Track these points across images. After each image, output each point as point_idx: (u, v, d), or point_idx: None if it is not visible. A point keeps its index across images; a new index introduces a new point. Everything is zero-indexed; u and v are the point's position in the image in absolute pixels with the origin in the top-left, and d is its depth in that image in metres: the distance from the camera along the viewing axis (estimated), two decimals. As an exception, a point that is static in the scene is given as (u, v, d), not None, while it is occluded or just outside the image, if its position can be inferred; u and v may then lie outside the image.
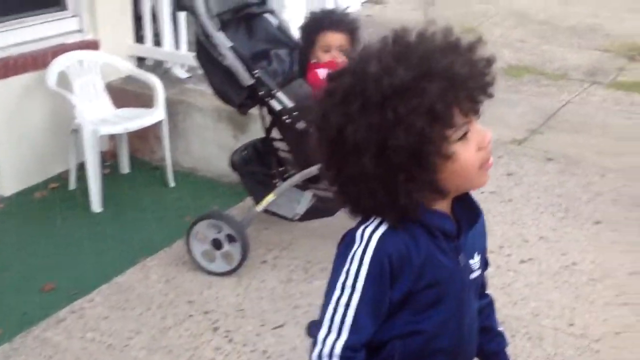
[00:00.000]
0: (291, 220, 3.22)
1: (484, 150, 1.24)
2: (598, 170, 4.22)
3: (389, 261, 1.22)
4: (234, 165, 3.26)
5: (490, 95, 1.23)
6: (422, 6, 7.19)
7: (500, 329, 1.56)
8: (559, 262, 3.33)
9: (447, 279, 1.30)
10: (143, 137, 4.34)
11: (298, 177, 3.08)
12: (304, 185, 3.20)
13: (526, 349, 2.76)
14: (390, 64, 1.18)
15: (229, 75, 2.98)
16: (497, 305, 2.95)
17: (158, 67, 4.63)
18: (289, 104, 2.98)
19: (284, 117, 2.99)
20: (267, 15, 3.33)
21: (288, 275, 3.18)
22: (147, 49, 4.64)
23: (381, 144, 1.17)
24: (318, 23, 3.04)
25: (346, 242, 1.27)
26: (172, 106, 4.18)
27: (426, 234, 1.26)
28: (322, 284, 3.10)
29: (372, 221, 1.25)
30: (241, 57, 2.97)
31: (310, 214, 3.21)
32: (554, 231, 3.60)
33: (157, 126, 4.07)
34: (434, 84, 1.15)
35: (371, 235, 1.24)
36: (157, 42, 4.63)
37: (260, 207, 3.13)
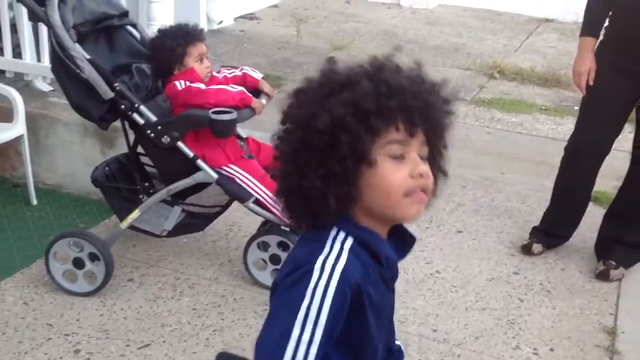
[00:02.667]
0: (159, 236, 3.15)
1: (415, 180, 1.23)
2: (460, 182, 4.42)
3: (350, 293, 1.19)
4: (95, 182, 3.14)
5: (434, 124, 1.26)
6: (294, 23, 7.30)
7: (398, 342, 1.55)
8: (423, 271, 3.45)
9: (386, 310, 1.33)
10: (3, 153, 4.11)
11: (164, 193, 3.02)
12: (172, 201, 3.14)
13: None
14: (342, 69, 1.26)
15: (87, 88, 2.89)
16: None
17: (19, 80, 4.42)
18: (153, 118, 2.92)
19: (148, 132, 2.92)
20: (129, 28, 3.26)
21: (155, 293, 3.10)
22: (6, 61, 4.41)
23: (308, 126, 1.20)
24: (190, 35, 3.01)
25: (300, 274, 1.20)
26: (34, 120, 3.99)
27: (374, 261, 1.25)
28: (191, 300, 3.10)
29: (330, 251, 1.22)
30: (100, 70, 2.88)
31: (179, 230, 3.15)
32: (419, 241, 3.72)
33: (17, 141, 3.87)
34: (370, 83, 1.21)
35: (334, 267, 1.19)
36: (18, 53, 4.41)
37: (125, 224, 3.04)
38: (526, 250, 3.65)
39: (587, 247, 3.66)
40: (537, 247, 3.64)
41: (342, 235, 1.24)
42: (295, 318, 1.17)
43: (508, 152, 4.93)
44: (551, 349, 2.94)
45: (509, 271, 3.50)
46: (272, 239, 3.12)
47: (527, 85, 6.39)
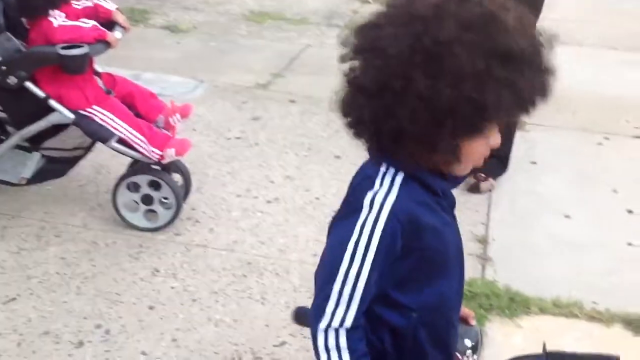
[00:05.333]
0: (18, 185, 2.94)
1: (487, 149, 1.24)
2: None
3: (401, 229, 1.19)
4: (-61, 132, 2.89)
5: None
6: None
7: None
8: (303, 199, 3.43)
9: (451, 237, 1.31)
10: None
11: (17, 138, 2.81)
12: (30, 147, 2.93)
13: (274, 284, 2.81)
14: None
15: None
16: (246, 247, 3.04)
17: None
18: (-5, 57, 2.68)
19: (-8, 73, 2.68)
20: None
21: (19, 245, 2.92)
22: None
23: (460, 75, 1.11)
24: None
25: (349, 210, 1.22)
26: None
27: (429, 194, 1.24)
28: (58, 249, 2.94)
29: (381, 184, 1.20)
30: None
31: (40, 176, 2.96)
32: (298, 169, 3.69)
33: None
34: (532, 72, 1.15)
35: (383, 203, 1.19)
36: None
37: (-23, 175, 2.82)
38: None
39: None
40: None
41: (392, 170, 1.22)
42: (344, 253, 1.19)
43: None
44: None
45: (387, 192, 3.53)
46: (142, 179, 2.99)
47: (400, 9, 6.37)
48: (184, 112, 3.07)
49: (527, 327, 2.64)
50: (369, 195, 1.20)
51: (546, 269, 2.97)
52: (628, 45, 5.57)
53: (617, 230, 3.27)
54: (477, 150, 1.22)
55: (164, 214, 3.03)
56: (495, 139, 1.24)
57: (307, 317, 1.34)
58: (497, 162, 3.55)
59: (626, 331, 2.66)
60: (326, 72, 4.95)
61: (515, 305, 2.73)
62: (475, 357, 1.52)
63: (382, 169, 1.23)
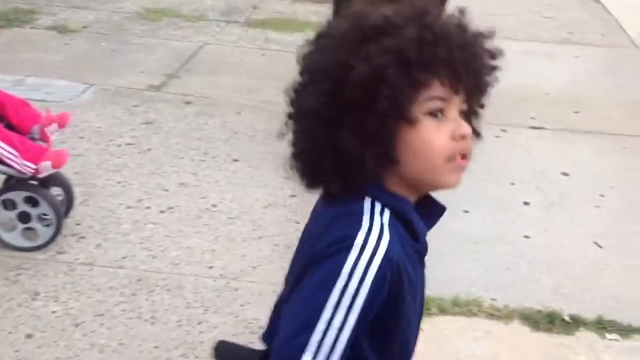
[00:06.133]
0: None
1: (457, 143, 1.08)
2: (235, 108, 4.25)
3: (390, 276, 1.05)
4: None
5: (479, 79, 1.10)
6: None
7: None
8: (198, 206, 3.28)
9: (420, 289, 1.17)
10: None
11: None
12: None
13: (165, 301, 2.66)
14: (377, 11, 1.09)
15: None
16: (136, 262, 2.87)
17: None
18: None
19: None
20: None
21: None
22: None
23: (340, 78, 1.05)
24: None
25: (337, 248, 1.05)
26: None
27: (408, 235, 1.10)
28: None
29: (371, 223, 1.06)
30: None
31: None
32: (194, 175, 3.54)
33: None
34: (414, 30, 1.05)
35: (377, 246, 1.04)
36: None
37: None
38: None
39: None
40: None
41: (378, 206, 1.08)
42: (329, 298, 1.03)
43: (283, 74, 4.81)
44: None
45: (286, 195, 3.43)
46: (17, 195, 2.78)
47: (302, 3, 6.29)
48: (62, 122, 2.87)
49: (427, 330, 2.58)
50: (361, 234, 1.05)
51: (446, 267, 2.94)
52: (526, 35, 5.67)
53: (514, 223, 3.28)
54: (427, 142, 1.07)
55: (43, 232, 2.83)
56: (456, 124, 1.08)
57: (235, 357, 1.20)
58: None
59: (524, 327, 2.66)
60: (224, 70, 4.82)
61: (414, 307, 2.67)
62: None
63: (367, 204, 1.09)
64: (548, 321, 2.66)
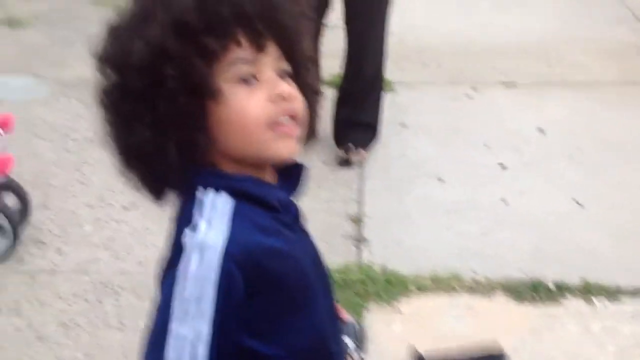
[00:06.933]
0: None
1: (276, 105, 0.96)
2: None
3: (240, 270, 0.92)
4: None
5: (286, 31, 0.98)
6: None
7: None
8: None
9: (305, 257, 1.05)
10: None
11: None
12: None
13: (133, 305, 2.55)
14: None
15: None
16: (100, 266, 2.74)
17: None
18: None
19: None
20: None
21: None
22: None
23: (123, 65, 0.95)
24: None
25: (170, 256, 0.96)
26: None
27: (262, 210, 0.99)
28: None
29: (201, 214, 0.95)
30: None
31: None
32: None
33: None
34: None
35: (206, 241, 0.93)
36: None
37: None
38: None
39: (328, 135, 3.53)
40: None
41: (211, 193, 0.97)
42: (171, 310, 0.92)
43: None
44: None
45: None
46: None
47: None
48: (4, 125, 2.72)
49: (406, 311, 2.50)
50: (190, 234, 0.94)
51: (423, 242, 2.84)
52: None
53: (491, 187, 3.17)
54: (239, 111, 0.96)
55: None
56: (270, 84, 0.97)
57: None
58: (366, 130, 3.37)
59: (508, 299, 2.56)
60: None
61: (392, 287, 2.57)
62: (362, 354, 1.31)
63: (198, 195, 0.98)
64: (532, 290, 2.57)
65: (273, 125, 0.97)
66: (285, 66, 1.00)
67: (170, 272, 0.95)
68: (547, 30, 4.71)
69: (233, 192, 0.98)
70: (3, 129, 2.69)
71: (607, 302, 2.51)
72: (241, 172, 1.00)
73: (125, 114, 0.98)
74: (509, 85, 4.01)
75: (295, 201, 1.08)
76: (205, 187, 0.98)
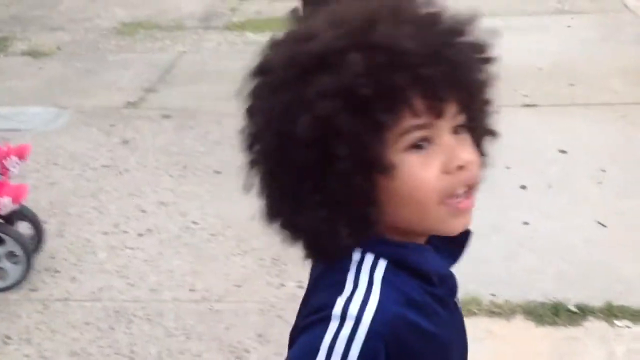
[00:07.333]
0: None
1: (453, 176, 0.84)
2: (215, 118, 4.09)
3: (385, 347, 0.82)
4: None
5: (468, 87, 0.84)
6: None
7: None
8: (178, 225, 3.13)
9: (451, 337, 0.93)
10: None
11: None
12: None
13: (145, 332, 2.52)
14: (319, 28, 0.83)
15: None
16: (113, 293, 2.72)
17: None
18: None
19: None
20: None
21: None
22: None
23: (284, 133, 0.82)
24: None
25: (312, 321, 0.84)
26: None
27: (418, 282, 0.88)
28: None
29: (355, 284, 0.84)
30: None
31: None
32: (173, 193, 3.39)
33: None
34: (359, 54, 0.79)
35: (361, 313, 0.82)
36: None
37: None
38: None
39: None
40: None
41: (369, 259, 0.86)
42: None
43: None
44: (317, 278, 2.76)
45: (271, 203, 3.27)
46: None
47: (281, 1, 6.11)
48: (21, 153, 2.73)
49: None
50: (340, 301, 0.84)
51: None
52: (511, 10, 5.47)
53: (512, 209, 3.10)
54: (413, 186, 0.84)
55: (13, 270, 2.69)
56: (449, 153, 0.84)
57: None
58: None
59: (527, 322, 2.48)
60: (204, 79, 4.67)
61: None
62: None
63: (354, 258, 0.87)
64: (553, 313, 2.48)
65: (448, 198, 0.85)
66: (462, 120, 0.87)
67: (307, 337, 0.85)
68: (567, 51, 4.65)
69: (391, 260, 0.88)
70: (20, 159, 2.70)
71: (630, 324, 2.41)
72: (403, 238, 0.89)
73: (284, 186, 0.86)
74: (531, 106, 3.95)
75: (454, 273, 0.96)
76: (365, 250, 0.87)
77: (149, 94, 4.43)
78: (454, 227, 0.88)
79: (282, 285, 2.73)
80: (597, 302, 2.51)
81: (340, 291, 0.84)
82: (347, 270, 0.86)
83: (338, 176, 0.82)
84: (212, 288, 2.73)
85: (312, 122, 0.81)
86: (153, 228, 3.12)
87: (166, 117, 4.12)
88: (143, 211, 3.25)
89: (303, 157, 0.83)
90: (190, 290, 2.73)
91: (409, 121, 0.82)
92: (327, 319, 0.83)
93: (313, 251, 0.90)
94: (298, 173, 0.84)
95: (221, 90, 4.48)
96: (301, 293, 2.85)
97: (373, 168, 0.82)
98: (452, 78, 0.82)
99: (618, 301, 2.50)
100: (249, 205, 3.35)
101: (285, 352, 2.46)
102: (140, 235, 3.07)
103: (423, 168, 0.83)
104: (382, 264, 0.86)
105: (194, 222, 3.15)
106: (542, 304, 2.52)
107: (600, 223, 2.95)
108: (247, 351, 2.41)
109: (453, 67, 0.82)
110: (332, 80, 0.80)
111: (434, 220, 0.87)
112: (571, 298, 2.54)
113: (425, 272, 0.88)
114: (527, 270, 2.73)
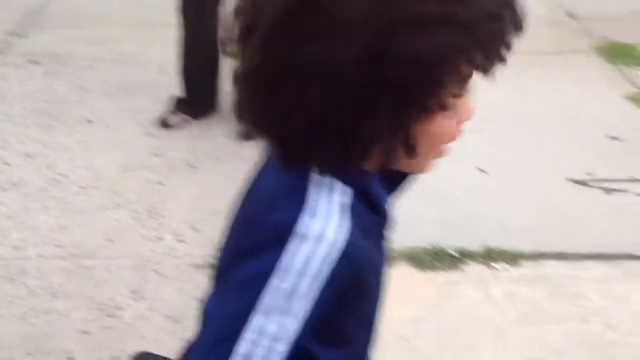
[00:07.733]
0: None
1: (459, 125, 0.85)
2: (88, 63, 3.84)
3: (347, 272, 0.79)
4: None
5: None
6: None
7: None
8: (45, 178, 2.91)
9: (384, 275, 0.91)
10: None
11: None
12: None
13: (6, 292, 2.32)
14: None
15: None
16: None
17: None
18: None
19: None
20: None
21: None
22: None
23: (386, 44, 0.74)
24: None
25: (277, 235, 0.79)
26: None
27: (372, 213, 0.86)
28: None
29: (329, 207, 0.80)
30: None
31: None
32: (41, 143, 3.15)
33: None
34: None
35: (326, 230, 0.78)
36: None
37: None
38: (163, 124, 3.27)
39: (230, 108, 3.36)
40: (174, 119, 3.28)
41: (338, 185, 0.82)
42: (258, 301, 0.78)
43: (149, 18, 4.36)
44: (197, 230, 2.63)
45: (148, 154, 3.10)
46: None
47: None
48: None
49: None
50: (306, 218, 0.79)
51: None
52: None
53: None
54: (439, 132, 0.83)
55: None
56: (467, 107, 0.85)
57: None
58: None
59: (410, 268, 2.46)
60: (78, 23, 4.36)
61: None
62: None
63: (314, 178, 0.82)
64: (434, 258, 2.48)
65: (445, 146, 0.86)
66: None
67: (262, 257, 0.80)
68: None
69: (357, 189, 0.84)
70: None
71: (508, 267, 2.45)
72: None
73: (357, 90, 0.77)
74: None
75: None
76: (334, 177, 0.83)
77: (16, 38, 4.10)
78: (425, 169, 0.89)
79: (159, 238, 2.59)
80: (476, 246, 2.53)
81: (304, 209, 0.80)
82: (303, 189, 0.82)
83: (418, 102, 0.79)
84: (81, 244, 2.56)
85: (431, 46, 0.76)
86: (18, 181, 2.89)
87: (34, 62, 3.83)
88: (7, 164, 3.00)
89: (402, 73, 0.76)
90: (57, 246, 2.54)
91: (471, 72, 0.81)
92: (287, 236, 0.79)
93: (296, 154, 0.82)
94: (382, 84, 0.77)
95: (95, 34, 4.22)
96: (180, 246, 2.71)
97: (434, 104, 0.80)
98: (502, 53, 0.82)
99: (496, 245, 2.53)
100: (121, 156, 3.17)
101: (161, 307, 2.31)
102: (3, 189, 2.84)
103: (452, 118, 0.84)
104: (348, 191, 0.83)
105: (62, 175, 2.94)
106: (424, 250, 2.51)
107: (481, 170, 2.97)
108: (120, 308, 2.27)
109: (517, 30, 0.82)
110: (465, 11, 0.77)
111: (419, 163, 0.87)
112: (453, 243, 2.54)
113: (378, 205, 0.88)
114: (409, 217, 2.69)
